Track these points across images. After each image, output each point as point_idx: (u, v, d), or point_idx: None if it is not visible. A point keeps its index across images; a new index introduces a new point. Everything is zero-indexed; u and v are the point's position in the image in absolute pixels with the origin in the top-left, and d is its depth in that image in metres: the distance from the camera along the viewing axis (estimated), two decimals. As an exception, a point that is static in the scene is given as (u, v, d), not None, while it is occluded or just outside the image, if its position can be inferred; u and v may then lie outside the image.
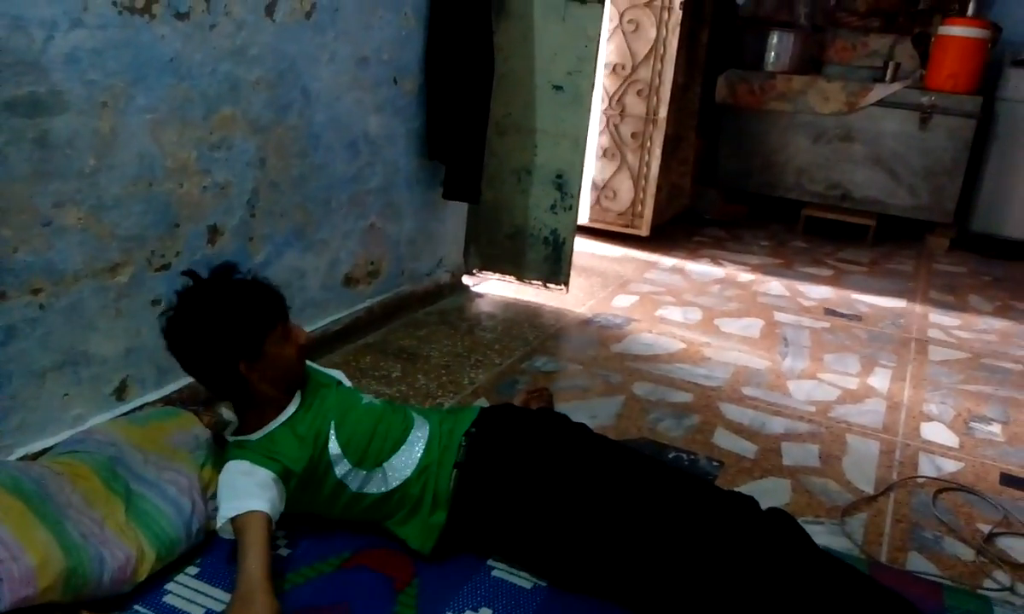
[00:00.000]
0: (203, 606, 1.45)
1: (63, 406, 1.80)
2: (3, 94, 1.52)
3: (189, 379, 2.10)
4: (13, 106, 1.54)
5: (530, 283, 3.49)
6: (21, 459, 1.68)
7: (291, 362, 1.61)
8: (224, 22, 1.98)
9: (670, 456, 2.18)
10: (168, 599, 1.46)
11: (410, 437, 1.65)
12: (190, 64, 1.91)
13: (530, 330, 3.08)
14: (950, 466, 2.27)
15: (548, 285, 3.46)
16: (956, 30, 4.89)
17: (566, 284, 3.44)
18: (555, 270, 3.40)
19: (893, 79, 5.20)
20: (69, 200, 1.70)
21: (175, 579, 1.51)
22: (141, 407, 1.96)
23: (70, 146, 1.67)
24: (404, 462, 1.62)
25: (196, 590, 1.49)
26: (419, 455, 1.63)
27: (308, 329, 2.51)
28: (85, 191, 1.73)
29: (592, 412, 2.40)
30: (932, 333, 3.48)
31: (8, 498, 1.38)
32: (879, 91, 5.07)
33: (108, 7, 1.69)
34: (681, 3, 4.15)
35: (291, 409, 1.62)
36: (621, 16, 4.26)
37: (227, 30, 1.99)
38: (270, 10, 2.12)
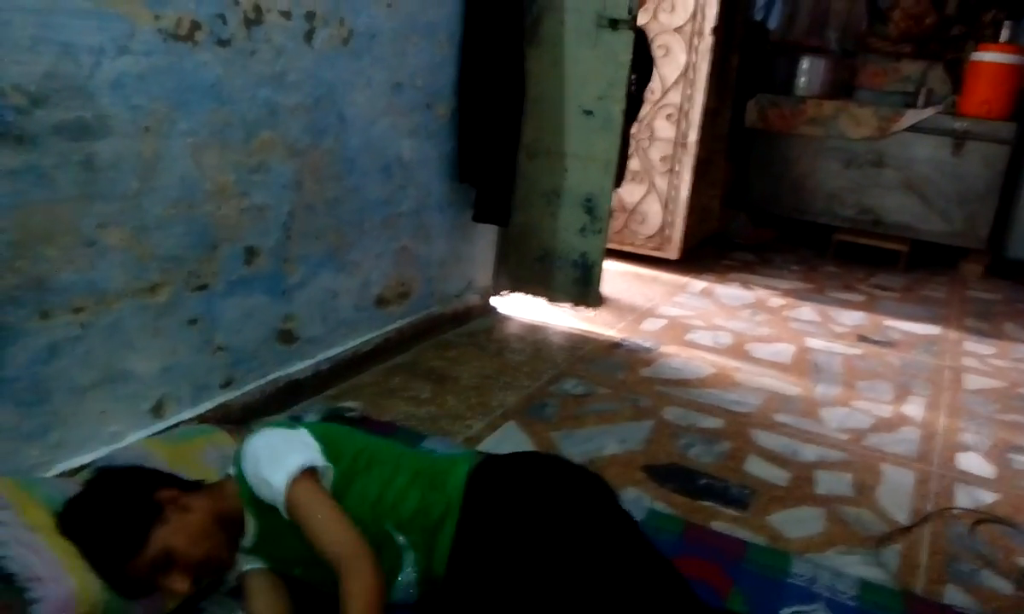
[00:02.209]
0: (237, 624, 1.46)
1: (101, 423, 1.83)
2: (52, 118, 1.57)
3: (224, 397, 2.15)
4: (61, 130, 1.59)
5: (559, 305, 3.50)
6: (59, 475, 1.71)
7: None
8: (264, 49, 2.02)
9: (701, 482, 2.17)
10: (202, 617, 1.47)
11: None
12: (231, 89, 1.95)
13: (559, 353, 3.08)
14: (987, 497, 2.23)
15: (577, 307, 3.46)
16: (989, 56, 4.85)
17: (595, 307, 3.44)
18: (584, 293, 3.40)
19: (925, 105, 5.17)
20: (112, 221, 1.74)
21: (209, 596, 1.52)
22: (177, 425, 1.99)
23: (114, 169, 1.71)
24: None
25: (230, 608, 1.49)
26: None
27: (339, 349, 2.55)
28: (128, 213, 1.76)
29: (621, 436, 2.39)
30: (967, 361, 3.43)
31: (49, 517, 1.40)
32: (911, 117, 5.04)
33: (154, 34, 1.73)
34: (712, 28, 4.17)
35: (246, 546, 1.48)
36: (651, 41, 4.27)
37: (267, 56, 2.04)
38: (309, 37, 2.16)
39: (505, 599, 1.41)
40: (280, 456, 1.38)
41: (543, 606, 1.37)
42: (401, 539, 1.44)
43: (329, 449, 1.46)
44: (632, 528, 1.46)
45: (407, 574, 1.45)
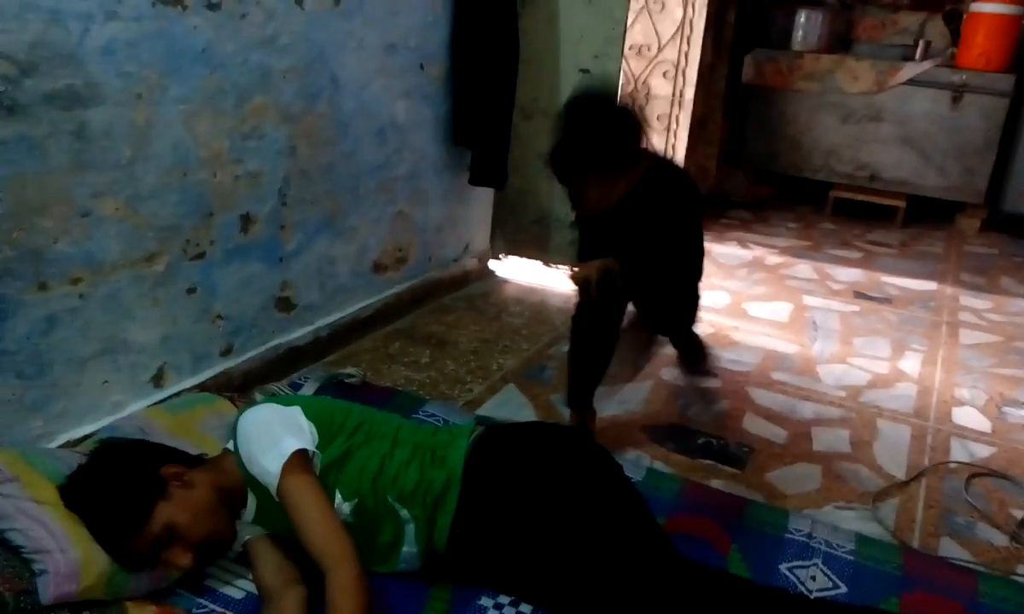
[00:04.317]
0: (243, 589, 1.47)
1: (103, 393, 1.84)
2: (42, 87, 1.55)
3: (225, 365, 2.16)
4: (52, 99, 1.57)
5: (556, 268, 3.49)
6: (63, 446, 1.72)
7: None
8: (255, 12, 1.99)
9: (700, 442, 2.19)
10: (209, 582, 1.49)
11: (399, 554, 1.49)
12: (222, 54, 1.93)
13: (557, 315, 3.08)
14: (982, 451, 2.25)
15: (575, 269, 3.45)
16: (988, 7, 4.79)
17: (592, 268, 3.43)
18: (581, 254, 3.39)
19: (924, 57, 5.10)
20: (107, 191, 1.72)
21: (214, 563, 1.53)
22: (178, 393, 2.00)
23: (107, 137, 1.70)
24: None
25: (235, 573, 1.51)
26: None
27: (337, 316, 2.56)
28: (122, 182, 1.75)
29: (621, 398, 2.40)
30: (963, 316, 3.44)
31: (53, 490, 1.41)
32: (909, 70, 4.99)
33: (142, -1, 1.71)
34: (708, -17, 4.10)
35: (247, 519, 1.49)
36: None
37: (258, 20, 2.01)
38: (299, -1, 2.13)
39: (506, 573, 1.45)
40: (273, 438, 1.38)
41: (543, 581, 1.40)
42: (404, 512, 1.45)
43: (324, 428, 1.46)
44: (634, 502, 1.47)
45: (410, 546, 1.47)
